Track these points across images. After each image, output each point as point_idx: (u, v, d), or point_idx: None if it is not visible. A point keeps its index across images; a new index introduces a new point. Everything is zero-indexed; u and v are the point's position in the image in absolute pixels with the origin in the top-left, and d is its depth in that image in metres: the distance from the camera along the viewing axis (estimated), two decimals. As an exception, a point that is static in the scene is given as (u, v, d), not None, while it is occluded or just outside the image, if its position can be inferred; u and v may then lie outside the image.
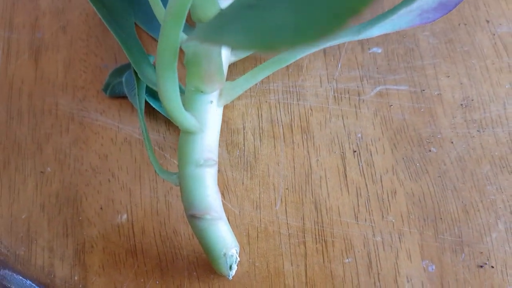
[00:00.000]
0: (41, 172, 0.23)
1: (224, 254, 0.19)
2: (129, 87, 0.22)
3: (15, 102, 0.25)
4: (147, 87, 0.22)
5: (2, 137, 0.24)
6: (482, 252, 0.19)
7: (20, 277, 0.23)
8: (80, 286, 0.21)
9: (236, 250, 0.19)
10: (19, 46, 0.26)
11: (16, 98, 0.25)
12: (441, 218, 0.20)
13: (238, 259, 0.20)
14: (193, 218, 0.18)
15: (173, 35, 0.15)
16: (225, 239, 0.19)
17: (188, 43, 0.18)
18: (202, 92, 0.18)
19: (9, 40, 0.26)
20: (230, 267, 0.19)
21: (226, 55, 0.20)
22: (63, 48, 0.25)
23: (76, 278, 0.21)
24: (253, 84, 0.20)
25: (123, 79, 0.23)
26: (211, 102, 0.18)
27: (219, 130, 0.19)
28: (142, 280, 0.21)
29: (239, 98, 0.23)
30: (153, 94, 0.23)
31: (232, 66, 0.24)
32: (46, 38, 0.26)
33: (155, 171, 0.22)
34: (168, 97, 0.16)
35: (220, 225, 0.18)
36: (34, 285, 0.22)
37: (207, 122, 0.18)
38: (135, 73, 0.21)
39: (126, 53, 0.20)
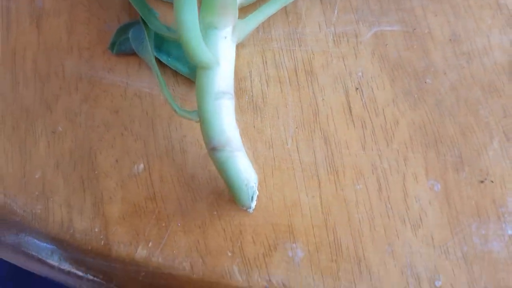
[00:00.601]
0: (52, 132, 0.24)
1: (246, 185, 0.20)
2: (136, 41, 0.23)
3: (20, 68, 0.25)
4: (154, 41, 0.23)
5: (9, 102, 0.24)
6: (481, 169, 0.21)
7: (37, 241, 0.23)
8: (101, 236, 0.22)
9: (255, 183, 0.20)
10: (19, 14, 0.26)
11: (20, 64, 0.25)
12: (441, 142, 0.22)
13: (257, 192, 0.21)
14: (215, 151, 0.19)
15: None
16: (246, 169, 0.19)
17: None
18: (216, 28, 0.19)
19: (8, 8, 0.26)
20: (252, 198, 0.20)
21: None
22: (64, 13, 0.26)
23: (96, 230, 0.22)
24: (264, 19, 0.22)
25: (130, 35, 0.23)
26: (225, 37, 0.19)
27: (234, 67, 0.20)
28: (163, 224, 0.21)
29: (243, 47, 0.24)
30: (160, 48, 0.23)
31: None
32: (46, 4, 0.26)
33: (172, 115, 0.23)
34: (187, 28, 0.17)
35: (241, 157, 0.19)
36: (51, 246, 0.23)
37: (222, 56, 0.19)
38: (144, 23, 0.21)
39: (133, 4, 0.21)
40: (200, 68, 0.19)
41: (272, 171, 0.22)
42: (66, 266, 0.22)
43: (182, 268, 0.21)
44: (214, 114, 0.19)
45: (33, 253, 0.23)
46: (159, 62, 0.23)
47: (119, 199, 0.22)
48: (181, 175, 0.22)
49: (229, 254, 0.21)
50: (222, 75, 0.19)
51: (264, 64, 0.24)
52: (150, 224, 0.21)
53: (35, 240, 0.23)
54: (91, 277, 0.22)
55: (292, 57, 0.23)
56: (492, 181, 0.21)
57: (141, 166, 0.23)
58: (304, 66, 0.23)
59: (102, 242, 0.21)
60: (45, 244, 0.22)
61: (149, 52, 0.22)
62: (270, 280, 0.20)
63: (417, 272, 0.20)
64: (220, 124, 0.19)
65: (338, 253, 0.20)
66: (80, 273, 0.22)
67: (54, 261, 0.22)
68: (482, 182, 0.21)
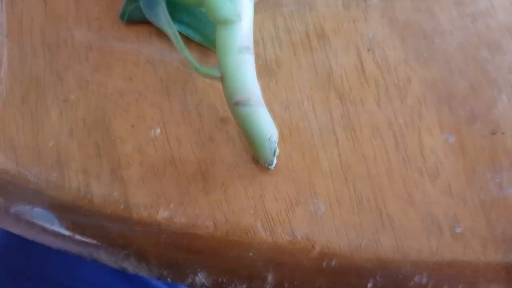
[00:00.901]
0: (64, 100, 0.23)
1: (269, 139, 0.20)
2: (148, 8, 0.23)
3: (27, 39, 0.25)
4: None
5: (17, 73, 0.24)
6: (492, 122, 0.22)
7: (50, 212, 0.22)
8: (121, 200, 0.21)
9: (276, 138, 0.20)
10: (25, -14, 0.26)
11: (27, 35, 0.25)
12: (453, 97, 0.22)
13: (278, 150, 0.21)
14: (238, 105, 0.19)
15: None
16: (268, 123, 0.20)
17: None
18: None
19: (13, -20, 0.26)
20: (274, 153, 0.20)
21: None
22: (72, -16, 0.25)
23: (115, 194, 0.21)
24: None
25: (141, 3, 0.23)
26: (246, -7, 0.19)
27: (253, 23, 0.20)
28: (184, 186, 0.21)
29: (254, 13, 0.24)
30: (171, 16, 0.23)
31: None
32: (52, -24, 0.26)
33: (187, 81, 0.23)
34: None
35: (263, 111, 0.20)
36: (66, 214, 0.22)
37: (243, 12, 0.19)
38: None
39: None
40: (222, 23, 0.19)
41: (289, 131, 0.22)
42: (81, 237, 0.22)
43: (205, 227, 0.21)
44: (237, 68, 0.19)
45: (46, 225, 0.23)
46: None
47: (137, 164, 0.22)
48: (198, 138, 0.22)
49: (252, 211, 0.21)
50: (243, 30, 0.19)
51: (276, 29, 0.24)
52: (170, 187, 0.21)
53: (48, 210, 0.22)
54: (109, 246, 0.22)
55: (303, 21, 0.24)
56: (503, 133, 0.22)
57: (158, 130, 0.22)
58: (315, 30, 0.24)
59: (122, 206, 0.21)
60: (58, 213, 0.22)
61: (163, 16, 0.22)
62: (294, 234, 0.20)
63: (438, 220, 0.20)
64: (243, 78, 0.19)
65: (359, 206, 0.21)
66: (96, 242, 0.22)
67: (68, 231, 0.22)
68: (494, 133, 0.22)
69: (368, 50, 0.23)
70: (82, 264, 0.40)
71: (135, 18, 0.24)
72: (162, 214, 0.21)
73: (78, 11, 0.25)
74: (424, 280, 0.20)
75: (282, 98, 0.23)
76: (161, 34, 0.24)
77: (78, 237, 0.22)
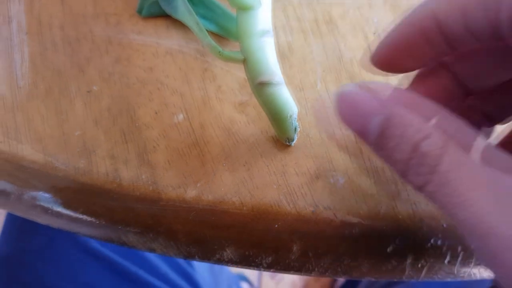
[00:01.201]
0: (88, 91, 0.24)
1: (290, 116, 0.21)
2: (165, 2, 0.24)
3: (47, 35, 0.25)
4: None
5: (39, 67, 0.25)
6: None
7: (78, 201, 0.23)
8: (150, 182, 0.22)
9: (296, 115, 0.22)
10: (42, -15, 0.27)
11: (47, 31, 0.26)
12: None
13: (298, 127, 0.22)
14: (261, 85, 0.20)
15: None
16: (289, 102, 0.21)
17: None
18: (256, -28, 0.20)
19: (30, -20, 0.27)
20: (295, 129, 0.22)
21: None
22: (88, -18, 0.27)
23: (144, 177, 0.22)
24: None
25: (158, -3, 0.25)
26: (265, -20, 0.21)
27: (271, 8, 0.21)
28: (209, 165, 0.22)
29: (266, 3, 0.26)
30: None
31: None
32: (68, -25, 0.27)
33: (205, 69, 0.24)
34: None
35: (284, 89, 0.21)
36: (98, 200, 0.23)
37: (262, -1, 0.21)
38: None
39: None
40: (243, 9, 0.20)
41: (306, 111, 0.23)
42: (109, 221, 0.23)
43: (232, 203, 0.22)
44: (260, 51, 0.20)
45: (73, 213, 0.23)
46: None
47: (163, 148, 0.23)
48: (220, 121, 0.23)
49: (275, 186, 0.22)
50: (263, 15, 0.20)
51: (286, 18, 0.25)
52: (196, 167, 0.22)
53: (75, 196, 0.23)
54: (138, 228, 0.23)
55: (311, 9, 0.25)
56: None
57: (181, 116, 0.24)
58: (323, 17, 0.25)
59: (151, 187, 0.22)
60: (87, 199, 0.23)
61: (183, 8, 0.23)
62: (316, 205, 0.22)
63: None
64: (266, 60, 0.20)
65: (376, 177, 0.22)
66: (125, 224, 0.23)
67: (95, 216, 0.23)
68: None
69: (374, 33, 0.25)
70: (83, 270, 0.41)
71: (153, 12, 0.25)
72: (190, 193, 0.22)
73: (95, 8, 0.26)
74: (440, 242, 0.21)
75: (296, 81, 0.24)
76: (178, 26, 0.25)
77: (105, 221, 0.23)
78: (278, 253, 0.22)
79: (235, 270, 0.72)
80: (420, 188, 0.15)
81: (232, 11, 0.24)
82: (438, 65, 0.18)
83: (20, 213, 0.24)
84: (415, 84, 0.19)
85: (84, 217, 0.23)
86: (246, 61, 0.21)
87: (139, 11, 0.25)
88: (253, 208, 0.22)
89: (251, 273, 0.81)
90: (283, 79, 0.21)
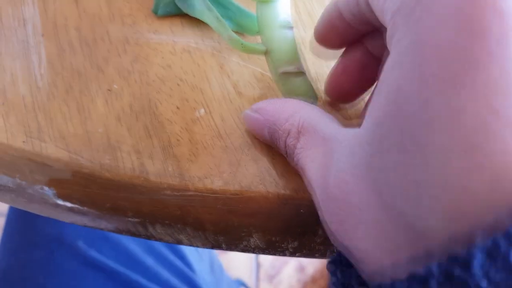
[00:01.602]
0: (108, 90, 0.25)
1: (312, 103, 0.22)
2: (181, 0, 0.25)
3: (63, 36, 0.26)
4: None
5: (57, 68, 0.25)
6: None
7: (103, 196, 0.24)
8: (176, 175, 0.23)
9: (317, 103, 0.23)
10: (56, -12, 0.27)
11: (63, 33, 0.26)
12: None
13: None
14: (286, 74, 0.22)
15: None
16: (311, 89, 0.22)
17: None
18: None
19: (44, -16, 0.27)
20: (316, 117, 0.23)
21: None
22: (101, -16, 0.27)
23: (170, 169, 0.23)
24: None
25: (174, -4, 0.25)
26: (283, -24, 0.22)
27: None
28: (233, 156, 0.23)
29: None
30: (202, 7, 0.26)
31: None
32: (82, -22, 0.27)
33: (223, 64, 0.25)
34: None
35: (306, 78, 0.22)
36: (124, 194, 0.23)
37: (282, -8, 0.22)
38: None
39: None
40: (264, 2, 0.21)
41: (321, 102, 0.25)
42: (136, 214, 0.23)
43: (258, 191, 0.23)
44: (281, 41, 0.21)
45: (97, 211, 0.24)
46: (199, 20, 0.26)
47: (187, 141, 0.24)
48: (240, 114, 0.24)
49: (299, 173, 0.23)
50: (283, 7, 0.22)
51: (298, 13, 0.27)
52: (221, 158, 0.23)
53: (100, 192, 0.23)
54: (166, 219, 0.23)
55: (321, 4, 0.27)
56: None
57: (202, 110, 0.24)
58: (332, 13, 0.27)
59: (178, 179, 0.23)
60: (113, 194, 0.23)
61: (201, 4, 0.24)
62: (340, 189, 0.23)
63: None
64: (288, 50, 0.21)
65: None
66: (152, 217, 0.23)
67: (121, 212, 0.23)
68: None
69: (380, 27, 0.26)
70: (84, 281, 0.41)
71: (169, 11, 0.26)
72: (217, 183, 0.23)
73: (110, 9, 0.27)
74: None
75: (312, 72, 0.25)
76: (193, 24, 0.26)
77: (133, 215, 0.23)
78: (304, 237, 0.23)
79: (234, 275, 0.72)
80: (294, 166, 0.21)
81: (246, 8, 0.25)
82: (359, 42, 0.23)
83: (46, 213, 0.24)
84: (342, 58, 0.23)
85: (111, 212, 0.23)
86: (269, 52, 0.22)
87: (155, 11, 0.26)
88: (279, 195, 0.23)
89: (248, 279, 0.82)
90: (303, 67, 0.22)
